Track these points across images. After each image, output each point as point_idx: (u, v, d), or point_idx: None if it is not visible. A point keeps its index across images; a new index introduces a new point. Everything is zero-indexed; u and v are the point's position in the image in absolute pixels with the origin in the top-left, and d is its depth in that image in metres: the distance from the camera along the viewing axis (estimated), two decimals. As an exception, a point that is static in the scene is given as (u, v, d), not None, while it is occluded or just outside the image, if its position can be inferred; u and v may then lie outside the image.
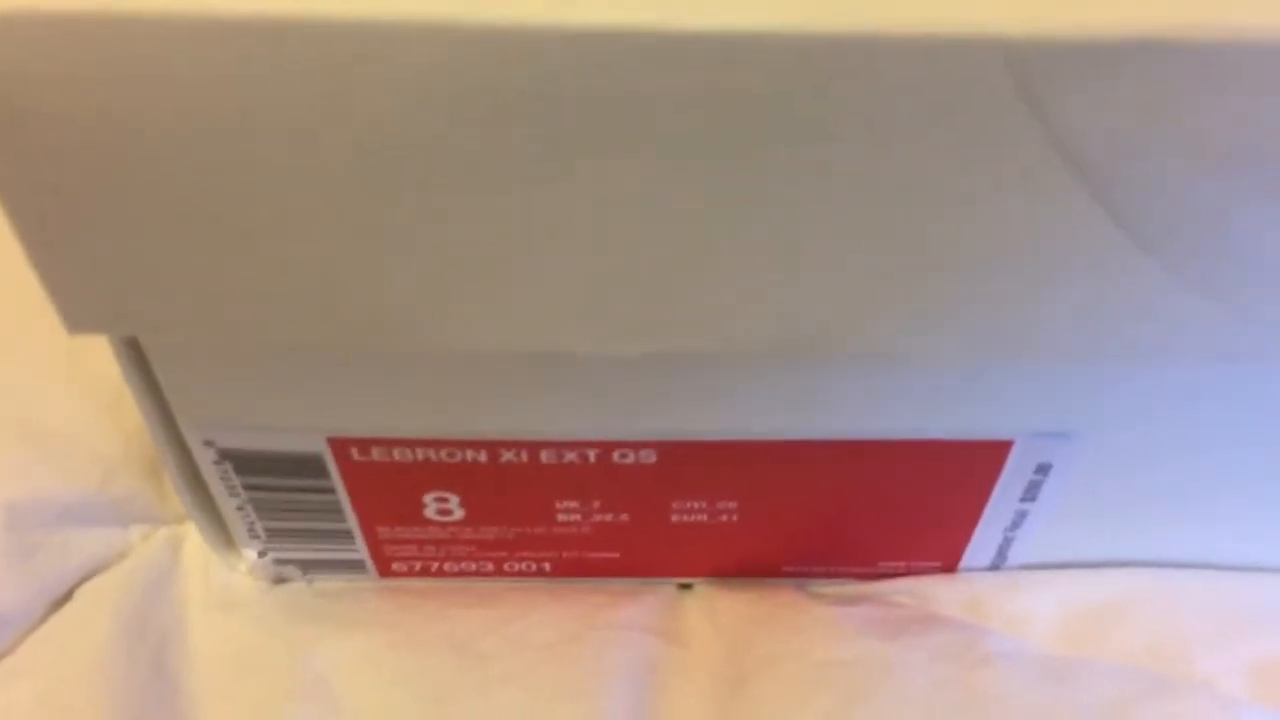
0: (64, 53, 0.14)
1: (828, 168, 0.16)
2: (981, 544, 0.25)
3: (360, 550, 0.25)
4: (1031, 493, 0.23)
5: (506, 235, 0.17)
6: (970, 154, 0.16)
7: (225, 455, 0.22)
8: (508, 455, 0.22)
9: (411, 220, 0.16)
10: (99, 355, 0.28)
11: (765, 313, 0.18)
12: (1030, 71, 0.15)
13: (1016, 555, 0.25)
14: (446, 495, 0.23)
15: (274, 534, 0.24)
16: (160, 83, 0.15)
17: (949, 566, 0.26)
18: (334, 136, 0.15)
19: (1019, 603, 0.25)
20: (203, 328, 0.18)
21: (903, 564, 0.26)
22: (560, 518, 0.24)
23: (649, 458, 0.22)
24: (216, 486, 0.23)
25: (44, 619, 0.25)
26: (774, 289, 0.17)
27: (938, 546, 0.25)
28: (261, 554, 0.25)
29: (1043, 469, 0.22)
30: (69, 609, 0.25)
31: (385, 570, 0.26)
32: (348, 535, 0.24)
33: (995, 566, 0.26)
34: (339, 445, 0.22)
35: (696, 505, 0.24)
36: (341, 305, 0.18)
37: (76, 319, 0.18)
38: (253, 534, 0.24)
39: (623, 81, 0.15)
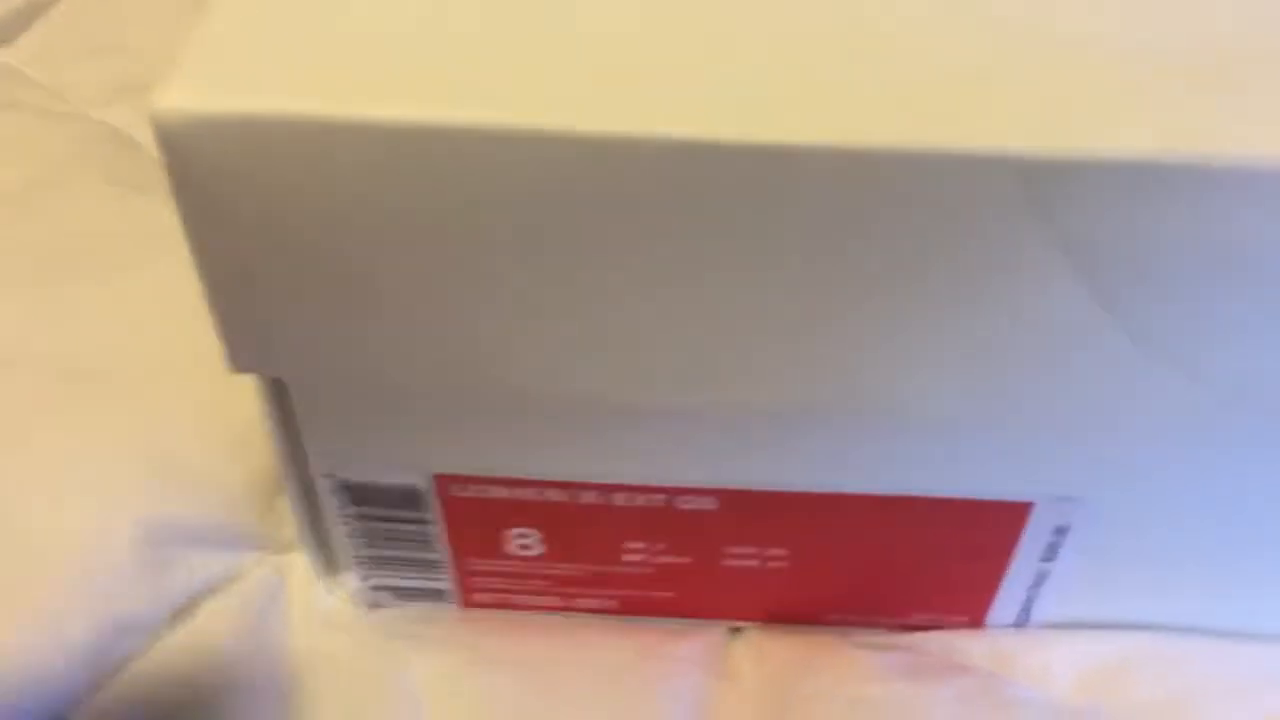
0: (254, 149, 0.18)
1: (861, 263, 0.19)
2: (1006, 601, 0.27)
3: (448, 580, 0.28)
4: (1051, 553, 0.26)
5: (583, 301, 0.20)
6: (988, 253, 0.19)
7: (342, 486, 0.26)
8: (586, 496, 0.25)
9: (512, 286, 0.20)
10: (228, 403, 0.32)
11: (807, 375, 0.21)
12: (1039, 185, 0.18)
13: (1040, 613, 0.28)
14: (529, 531, 0.26)
15: (375, 561, 0.28)
16: (323, 175, 0.19)
17: (976, 621, 0.28)
18: (456, 225, 0.19)
19: (1039, 656, 0.27)
20: (342, 371, 0.22)
21: (933, 617, 0.28)
22: (627, 557, 0.27)
23: (710, 504, 0.25)
24: (330, 516, 0.27)
25: (171, 628, 0.28)
26: (814, 354, 0.21)
27: (965, 602, 0.28)
28: (362, 580, 0.28)
29: (1061, 530, 0.25)
30: (194, 622, 0.28)
31: (468, 600, 0.29)
32: (439, 565, 0.28)
33: (1020, 623, 0.28)
34: (441, 481, 0.25)
35: (749, 551, 0.26)
36: (456, 354, 0.21)
37: (240, 360, 0.22)
38: (357, 561, 0.28)
39: (685, 185, 0.19)
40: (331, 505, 0.26)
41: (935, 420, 0.22)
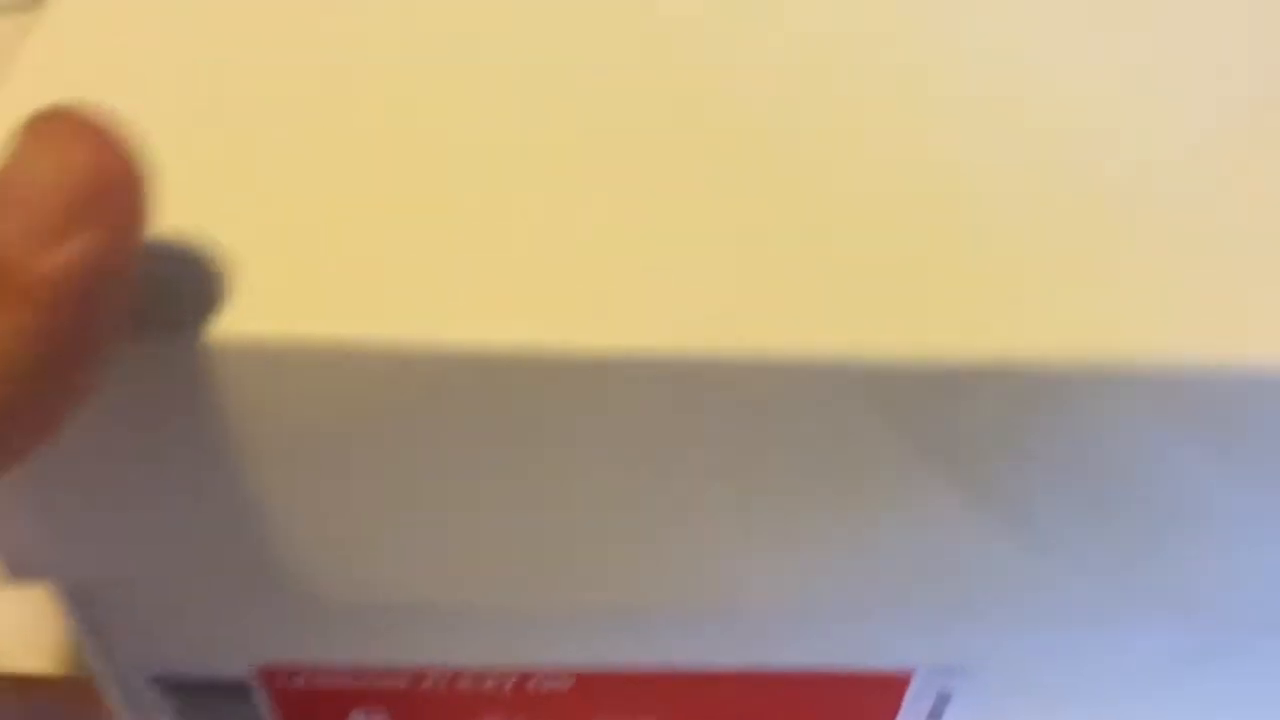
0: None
1: (728, 469, 0.17)
2: (894, 764, 0.26)
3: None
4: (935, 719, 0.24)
5: (413, 508, 0.18)
6: (857, 456, 0.17)
7: (159, 681, 0.23)
8: (429, 681, 0.23)
9: (335, 490, 0.18)
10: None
11: (670, 577, 0.19)
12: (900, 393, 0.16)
13: (930, 773, 0.26)
14: (372, 714, 0.24)
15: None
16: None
17: None
18: (281, 431, 0.17)
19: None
20: (149, 575, 0.19)
21: None
22: (483, 736, 0.25)
23: (565, 684, 0.23)
24: (151, 708, 0.24)
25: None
26: (679, 559, 0.19)
27: None
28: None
29: (943, 699, 0.23)
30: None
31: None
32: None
33: (911, 782, 0.26)
34: (268, 674, 0.23)
35: (614, 729, 0.24)
36: (271, 562, 0.19)
37: (21, 570, 0.19)
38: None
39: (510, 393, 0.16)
40: (149, 699, 0.24)
41: (805, 612, 0.20)
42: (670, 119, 0.19)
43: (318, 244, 0.17)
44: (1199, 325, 0.16)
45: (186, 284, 0.16)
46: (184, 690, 0.23)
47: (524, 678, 0.23)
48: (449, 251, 0.17)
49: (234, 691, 0.23)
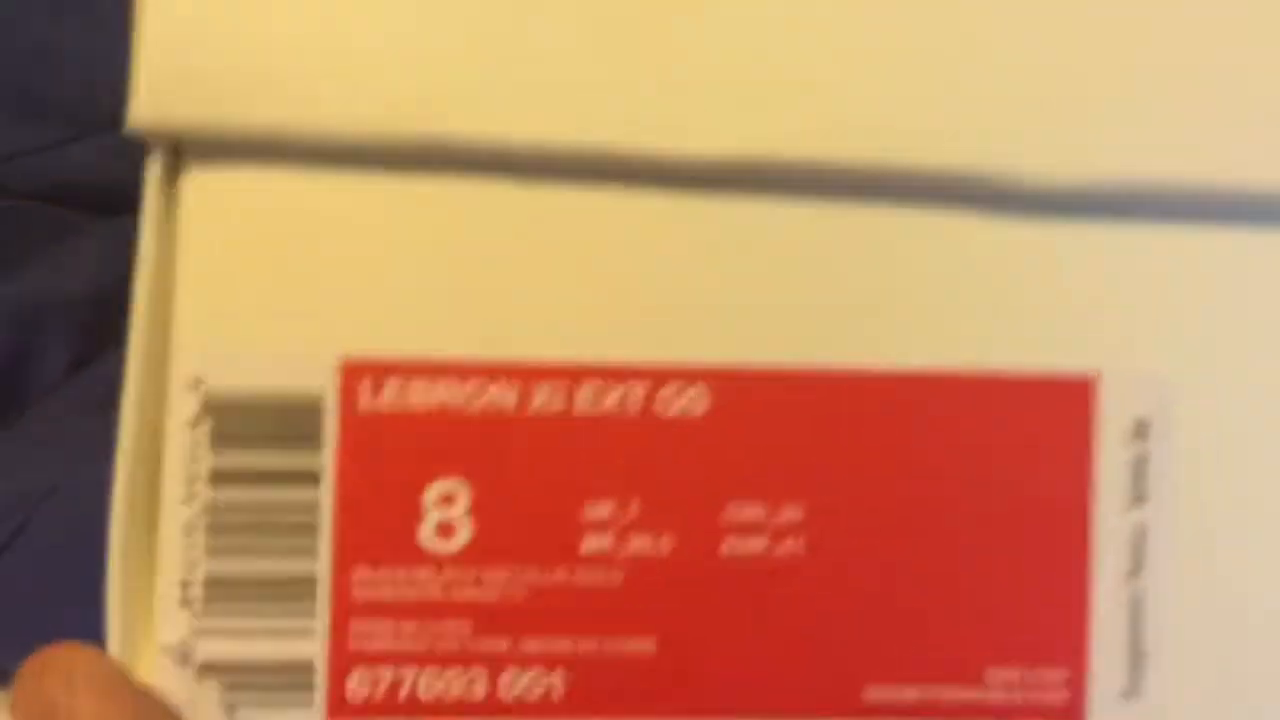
0: None
1: None
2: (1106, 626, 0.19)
3: (317, 636, 0.19)
4: (1140, 477, 0.19)
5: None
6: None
7: (209, 408, 0.18)
8: (540, 396, 0.19)
9: None
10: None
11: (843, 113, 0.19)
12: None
13: (1155, 640, 0.19)
14: (455, 486, 0.19)
15: (216, 589, 0.18)
16: None
17: (1075, 679, 0.19)
18: None
19: None
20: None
21: (1015, 674, 0.19)
22: (588, 543, 0.19)
23: (699, 401, 0.19)
24: (173, 485, 0.19)
25: None
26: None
27: (1046, 626, 0.19)
28: (187, 641, 0.19)
29: (1142, 428, 0.19)
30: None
31: (338, 693, 0.19)
32: (308, 588, 0.19)
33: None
34: (350, 375, 0.19)
35: (754, 514, 0.19)
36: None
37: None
38: (187, 594, 0.19)
39: None
40: (179, 456, 0.19)
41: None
42: None
43: None
44: None
45: None
46: (234, 422, 0.18)
47: (652, 391, 0.19)
48: None
49: (298, 422, 0.18)
